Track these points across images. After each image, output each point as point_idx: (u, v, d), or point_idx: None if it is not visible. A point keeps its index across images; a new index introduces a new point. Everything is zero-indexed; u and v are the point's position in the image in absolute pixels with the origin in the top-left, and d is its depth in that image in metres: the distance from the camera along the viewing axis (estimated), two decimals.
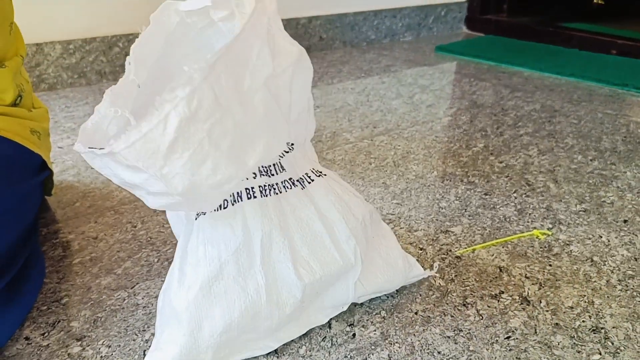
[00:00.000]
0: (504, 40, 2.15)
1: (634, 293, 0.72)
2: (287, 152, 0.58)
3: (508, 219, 0.89)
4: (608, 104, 1.47)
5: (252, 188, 0.54)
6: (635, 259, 0.79)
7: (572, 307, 0.69)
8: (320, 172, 0.61)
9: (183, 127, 0.42)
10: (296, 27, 1.85)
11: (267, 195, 0.55)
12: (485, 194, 0.97)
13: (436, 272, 0.75)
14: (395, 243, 0.68)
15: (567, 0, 2.50)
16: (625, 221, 0.90)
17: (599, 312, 0.68)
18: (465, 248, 0.81)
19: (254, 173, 0.54)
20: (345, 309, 0.64)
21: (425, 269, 0.75)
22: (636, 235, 0.85)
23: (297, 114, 0.53)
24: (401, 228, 0.86)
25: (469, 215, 0.90)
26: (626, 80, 1.62)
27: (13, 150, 0.71)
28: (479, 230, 0.86)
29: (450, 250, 0.80)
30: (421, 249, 0.80)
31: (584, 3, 2.53)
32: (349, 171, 1.05)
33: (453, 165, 1.09)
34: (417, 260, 0.76)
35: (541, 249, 0.81)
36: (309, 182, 0.58)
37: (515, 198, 0.96)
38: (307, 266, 0.56)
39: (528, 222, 0.89)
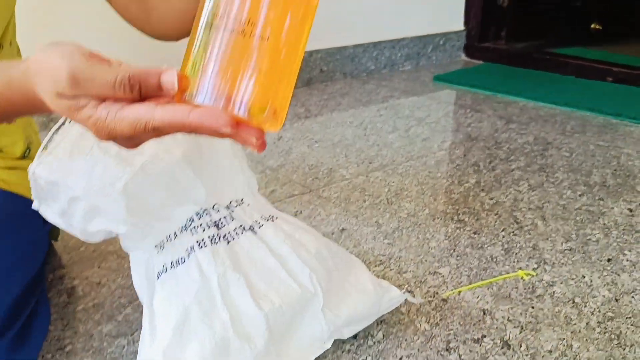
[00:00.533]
0: (502, 67, 2.19)
1: (612, 336, 0.74)
2: (237, 205, 0.67)
3: (495, 259, 0.92)
4: (601, 135, 1.50)
5: (203, 239, 0.62)
6: (616, 300, 0.82)
7: (550, 351, 0.72)
8: (271, 217, 0.68)
9: None
10: None
11: (217, 243, 0.63)
12: (474, 233, 1.01)
13: (416, 301, 0.78)
14: (363, 270, 0.73)
15: (565, 25, 2.53)
16: (609, 260, 0.93)
17: (576, 355, 0.71)
18: (452, 290, 0.84)
19: (203, 227, 0.62)
20: (328, 345, 0.67)
21: (409, 296, 0.78)
22: (618, 274, 0.88)
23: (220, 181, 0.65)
24: (391, 270, 0.89)
25: (457, 256, 0.93)
26: (620, 110, 1.65)
27: (24, 205, 0.75)
28: (465, 271, 0.89)
29: (437, 293, 0.83)
30: (409, 292, 0.83)
31: (582, 28, 2.56)
32: (343, 209, 1.09)
33: (445, 202, 1.13)
34: (404, 303, 0.80)
35: (525, 290, 0.84)
36: (260, 227, 0.66)
37: (503, 237, 0.99)
38: (265, 298, 0.62)
39: (514, 262, 0.92)
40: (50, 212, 0.62)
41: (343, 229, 1.01)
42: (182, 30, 0.69)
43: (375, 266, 0.90)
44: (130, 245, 0.65)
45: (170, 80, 0.35)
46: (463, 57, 2.35)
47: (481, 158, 1.35)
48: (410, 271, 0.89)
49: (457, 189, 1.19)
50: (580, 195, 1.16)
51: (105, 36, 1.30)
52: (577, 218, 1.06)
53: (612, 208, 1.10)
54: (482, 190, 1.18)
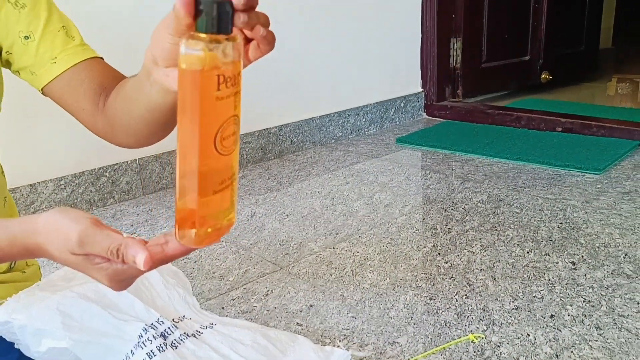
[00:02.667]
0: (460, 124, 2.33)
1: None
2: (179, 321, 0.80)
3: (448, 324, 1.02)
4: (549, 188, 1.62)
5: (152, 350, 0.72)
6: (557, 356, 0.92)
7: None
8: (211, 324, 0.81)
9: None
10: (268, 136, 2.03)
11: (165, 350, 0.73)
12: (430, 299, 1.10)
13: (363, 354, 0.88)
14: (306, 344, 0.85)
15: (517, 78, 2.71)
16: (552, 316, 1.02)
17: None
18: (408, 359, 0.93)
19: (151, 339, 0.73)
20: None
21: (355, 351, 0.87)
22: (560, 330, 0.98)
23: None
24: (354, 343, 0.98)
25: (414, 324, 1.03)
26: (567, 160, 1.78)
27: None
28: (421, 338, 0.98)
29: None
30: None
31: (533, 79, 2.74)
32: (311, 285, 1.18)
33: (404, 269, 1.22)
34: None
35: (475, 354, 0.93)
36: (200, 334, 0.78)
37: (457, 300, 1.09)
38: None
39: (465, 325, 1.01)
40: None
41: (311, 306, 1.11)
42: (142, 141, 0.74)
43: (340, 341, 0.99)
44: None
45: (139, 262, 0.47)
46: (424, 116, 2.50)
47: (438, 220, 1.46)
48: (371, 343, 0.98)
49: (415, 254, 1.29)
50: (528, 252, 1.26)
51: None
52: (525, 275, 1.17)
53: (557, 262, 1.21)
54: (439, 254, 1.28)
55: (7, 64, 0.76)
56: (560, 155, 1.84)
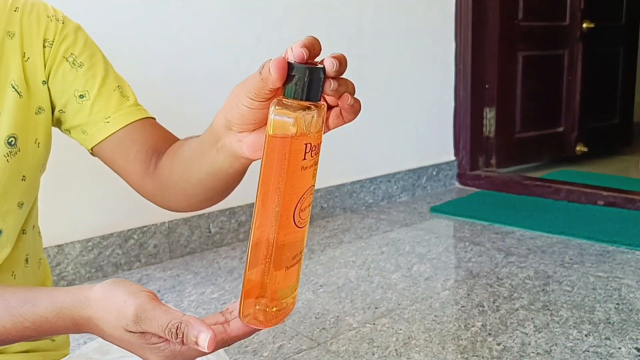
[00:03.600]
0: (495, 195, 2.27)
1: None
2: None
3: None
4: (599, 265, 1.53)
5: None
6: None
7: None
8: None
9: None
10: None
11: None
12: None
13: None
14: None
15: (551, 149, 2.66)
16: None
17: None
18: None
19: None
20: None
21: None
22: None
23: None
24: None
25: None
26: (615, 237, 1.69)
27: None
28: None
29: None
30: None
31: (567, 150, 2.69)
32: None
33: (453, 350, 1.13)
34: None
35: None
36: None
37: None
38: None
39: None
40: None
41: None
42: (196, 205, 0.73)
43: None
44: None
45: (202, 343, 0.41)
46: (457, 184, 2.45)
47: (484, 297, 1.37)
48: None
49: (464, 334, 1.20)
50: (586, 335, 1.16)
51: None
52: None
53: (620, 348, 1.11)
54: (489, 334, 1.19)
55: (58, 123, 0.74)
56: (607, 230, 1.76)
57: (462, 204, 2.16)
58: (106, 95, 0.72)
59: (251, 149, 0.51)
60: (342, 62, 0.42)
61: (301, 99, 0.41)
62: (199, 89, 1.72)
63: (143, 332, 0.43)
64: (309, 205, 0.43)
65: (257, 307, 0.43)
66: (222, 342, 0.43)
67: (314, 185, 0.43)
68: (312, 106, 0.41)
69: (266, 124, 0.42)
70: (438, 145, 2.40)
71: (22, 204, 0.75)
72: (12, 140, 0.69)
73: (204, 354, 0.43)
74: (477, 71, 2.33)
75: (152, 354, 0.44)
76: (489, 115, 2.41)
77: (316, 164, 0.43)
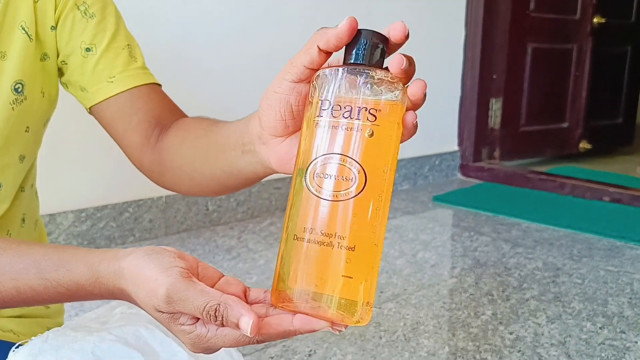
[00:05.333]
0: (499, 187, 2.23)
1: None
2: None
3: None
4: (609, 260, 1.49)
5: None
6: None
7: None
8: None
9: None
10: None
11: None
12: None
13: None
14: None
15: (555, 144, 2.63)
16: None
17: None
18: None
19: None
20: None
21: None
22: None
23: None
24: None
25: None
26: (623, 232, 1.66)
27: None
28: None
29: None
30: None
31: (571, 147, 2.66)
32: (359, 348, 1.04)
33: (464, 338, 1.08)
34: None
35: None
36: None
37: None
38: None
39: None
40: None
41: None
42: (195, 192, 0.65)
43: None
44: None
45: (245, 327, 0.37)
46: (459, 176, 2.40)
47: (494, 286, 1.32)
48: None
49: (474, 321, 1.15)
50: (600, 328, 1.12)
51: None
52: (603, 355, 1.03)
53: (636, 342, 1.07)
54: (501, 323, 1.14)
55: (59, 73, 0.68)
56: (614, 226, 1.72)
57: (466, 194, 2.12)
58: (114, 52, 0.66)
59: (280, 160, 0.46)
60: (411, 62, 0.40)
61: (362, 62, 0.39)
62: (204, 57, 1.66)
63: (174, 313, 0.39)
64: (334, 175, 0.37)
65: (279, 287, 0.39)
66: (266, 327, 0.38)
67: (348, 157, 0.37)
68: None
69: (298, 132, 0.43)
70: (442, 134, 2.36)
71: (24, 157, 0.69)
72: (19, 87, 0.63)
73: (231, 345, 0.39)
74: (486, 61, 2.29)
75: (179, 335, 0.40)
76: (495, 106, 2.37)
77: (346, 128, 0.38)
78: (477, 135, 2.34)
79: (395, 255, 1.52)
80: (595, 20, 2.54)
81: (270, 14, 1.78)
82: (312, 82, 0.40)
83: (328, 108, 0.38)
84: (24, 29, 0.63)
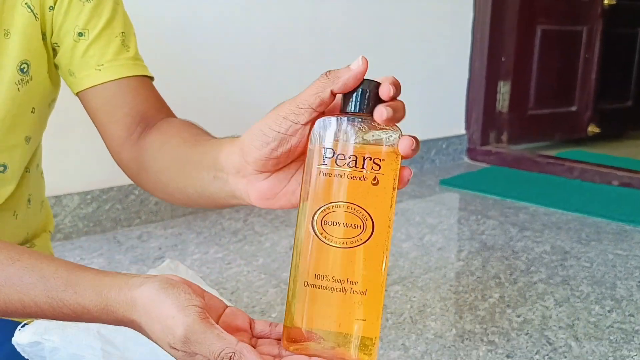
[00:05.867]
0: (506, 170, 2.21)
1: None
2: None
3: None
4: (618, 243, 1.48)
5: None
6: None
7: None
8: None
9: None
10: None
11: None
12: (507, 356, 0.96)
13: None
14: None
15: (563, 128, 2.60)
16: None
17: None
18: None
19: None
20: None
21: None
22: None
23: None
24: None
25: None
26: (632, 216, 1.64)
27: None
28: None
29: None
30: None
31: (579, 130, 2.63)
32: None
33: (471, 320, 1.08)
34: None
35: None
36: None
37: None
38: None
39: None
40: None
41: None
42: (168, 199, 0.63)
43: None
44: None
45: None
46: (466, 159, 2.39)
47: (501, 269, 1.31)
48: None
49: (481, 304, 1.14)
50: (609, 311, 1.12)
51: None
52: (611, 337, 1.02)
53: None
54: (508, 306, 1.14)
55: (53, 54, 0.67)
56: (623, 210, 1.70)
57: (473, 178, 2.10)
58: (106, 39, 0.64)
59: (261, 196, 0.46)
60: (397, 87, 0.40)
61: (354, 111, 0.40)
62: (208, 38, 1.64)
63: (190, 353, 0.39)
64: (342, 223, 0.39)
65: (291, 332, 0.40)
66: None
67: (356, 205, 0.39)
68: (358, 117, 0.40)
69: (284, 168, 0.44)
70: (449, 117, 2.33)
71: (30, 138, 0.68)
72: (24, 67, 0.62)
73: None
74: (495, 43, 2.26)
75: None
76: (503, 89, 2.34)
77: (352, 177, 0.39)
78: (484, 119, 2.32)
79: (402, 239, 1.51)
80: (605, 1, 2.50)
81: None
82: (314, 129, 0.41)
83: (332, 156, 0.39)
84: (29, 6, 0.62)
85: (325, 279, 0.39)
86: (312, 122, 0.41)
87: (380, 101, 0.40)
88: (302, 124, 0.41)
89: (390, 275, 1.28)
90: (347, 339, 0.39)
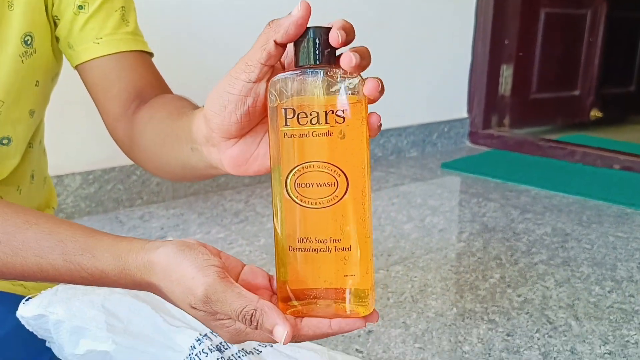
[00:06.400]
0: (508, 154, 2.21)
1: None
2: None
3: None
4: (618, 226, 1.48)
5: None
6: None
7: None
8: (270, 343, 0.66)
9: None
10: None
11: None
12: (508, 335, 0.96)
13: None
14: None
15: (565, 112, 2.60)
16: None
17: None
18: None
19: (206, 352, 0.59)
20: None
21: None
22: None
23: None
24: None
25: None
26: (633, 199, 1.64)
27: None
28: None
29: None
30: None
31: (582, 115, 2.63)
32: None
33: (472, 299, 1.08)
34: None
35: None
36: (259, 352, 0.63)
37: (538, 339, 0.95)
38: None
39: None
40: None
41: (370, 331, 0.97)
42: (159, 174, 0.64)
43: None
44: None
45: (279, 336, 0.38)
46: (467, 143, 2.38)
47: (502, 251, 1.32)
48: None
49: (482, 284, 1.15)
50: (609, 292, 1.12)
51: None
52: (611, 317, 1.02)
53: None
54: (509, 286, 1.14)
55: (54, 26, 0.67)
56: (625, 193, 1.70)
57: (475, 161, 2.10)
58: (105, 13, 0.64)
59: (234, 163, 0.45)
60: (348, 31, 0.38)
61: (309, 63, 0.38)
62: (210, 16, 1.63)
63: (210, 312, 0.39)
64: (316, 183, 0.38)
65: (283, 297, 0.41)
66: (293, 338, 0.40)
67: (326, 162, 0.38)
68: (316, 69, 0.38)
69: (251, 132, 0.43)
70: (451, 101, 2.33)
71: (34, 112, 0.68)
72: (28, 39, 0.62)
73: (267, 341, 0.40)
74: (498, 26, 2.24)
75: (217, 328, 0.40)
76: (506, 73, 2.33)
77: (318, 134, 0.38)
78: (487, 102, 2.31)
79: (403, 220, 1.51)
80: None
81: None
82: (269, 88, 0.39)
83: (294, 116, 0.38)
84: None
85: (308, 241, 0.39)
86: (267, 79, 0.39)
87: (332, 48, 0.38)
88: (253, 82, 0.40)
89: (391, 256, 1.28)
90: (339, 295, 0.39)
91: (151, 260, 0.40)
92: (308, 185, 0.38)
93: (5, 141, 0.65)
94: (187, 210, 1.55)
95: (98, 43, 0.64)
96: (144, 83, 0.65)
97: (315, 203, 0.38)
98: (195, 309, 0.39)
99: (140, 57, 0.66)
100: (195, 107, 0.56)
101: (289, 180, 0.38)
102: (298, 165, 0.38)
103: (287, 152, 0.38)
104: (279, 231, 0.40)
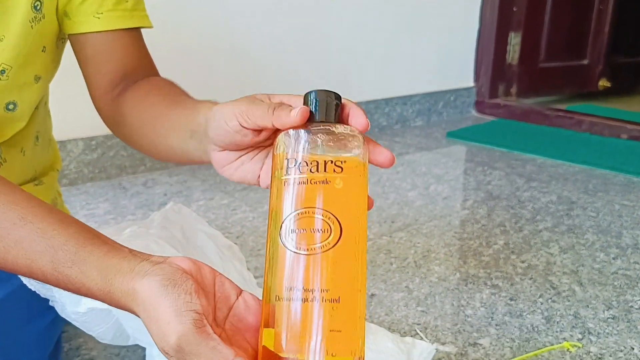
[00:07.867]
0: (515, 124, 2.18)
1: None
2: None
3: (536, 329, 0.87)
4: (625, 195, 1.47)
5: None
6: None
7: None
8: None
9: None
10: None
11: None
12: (511, 299, 0.96)
13: (449, 349, 0.77)
14: (382, 332, 0.75)
15: (574, 82, 2.56)
16: None
17: None
18: None
19: None
20: None
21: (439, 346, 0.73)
22: None
23: None
24: (429, 341, 0.84)
25: (496, 325, 0.88)
26: None
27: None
28: (507, 342, 0.84)
29: None
30: None
31: (590, 85, 2.59)
32: (370, 273, 1.04)
33: (475, 265, 1.08)
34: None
35: None
36: None
37: (542, 304, 0.95)
38: None
39: (557, 331, 0.87)
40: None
41: (372, 295, 0.97)
42: (145, 152, 0.65)
43: (412, 337, 0.85)
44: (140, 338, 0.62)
45: None
46: (474, 113, 2.36)
47: (506, 218, 1.31)
48: (449, 342, 0.84)
49: (486, 250, 1.14)
50: (614, 258, 1.12)
51: None
52: (615, 283, 1.02)
53: None
54: (513, 252, 1.14)
55: None
56: (632, 162, 1.69)
57: (480, 130, 2.08)
58: None
59: (218, 164, 0.49)
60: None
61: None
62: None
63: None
64: (309, 229, 0.37)
65: (266, 349, 0.38)
66: None
67: (320, 209, 0.38)
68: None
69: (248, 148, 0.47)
70: (458, 69, 2.29)
71: (39, 78, 0.68)
72: (37, 5, 0.61)
73: None
74: None
75: None
76: (514, 41, 2.29)
77: (315, 182, 0.38)
78: (494, 71, 2.28)
79: (407, 188, 1.51)
80: None
81: None
82: (276, 142, 0.42)
83: (294, 166, 0.39)
84: None
85: (295, 290, 0.37)
86: (258, 133, 0.45)
87: (337, 109, 0.42)
88: (246, 129, 0.45)
89: (394, 223, 1.28)
90: (323, 354, 0.36)
91: (135, 290, 0.39)
92: (302, 230, 0.38)
93: (11, 106, 0.65)
94: (191, 177, 1.55)
95: (98, 17, 0.64)
96: (134, 64, 0.66)
97: (306, 249, 0.37)
98: (168, 354, 0.37)
99: (134, 36, 0.67)
100: (185, 94, 0.60)
101: (283, 226, 0.38)
102: (294, 212, 0.38)
103: (285, 199, 0.39)
104: (267, 280, 0.39)
